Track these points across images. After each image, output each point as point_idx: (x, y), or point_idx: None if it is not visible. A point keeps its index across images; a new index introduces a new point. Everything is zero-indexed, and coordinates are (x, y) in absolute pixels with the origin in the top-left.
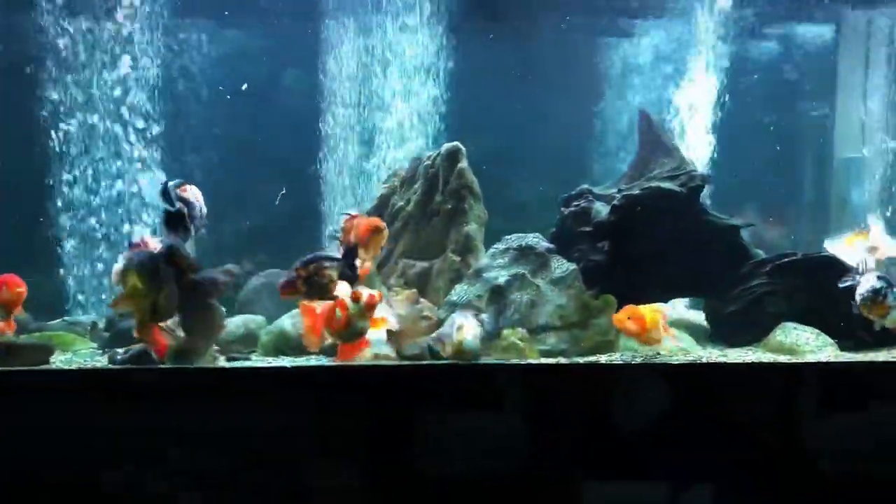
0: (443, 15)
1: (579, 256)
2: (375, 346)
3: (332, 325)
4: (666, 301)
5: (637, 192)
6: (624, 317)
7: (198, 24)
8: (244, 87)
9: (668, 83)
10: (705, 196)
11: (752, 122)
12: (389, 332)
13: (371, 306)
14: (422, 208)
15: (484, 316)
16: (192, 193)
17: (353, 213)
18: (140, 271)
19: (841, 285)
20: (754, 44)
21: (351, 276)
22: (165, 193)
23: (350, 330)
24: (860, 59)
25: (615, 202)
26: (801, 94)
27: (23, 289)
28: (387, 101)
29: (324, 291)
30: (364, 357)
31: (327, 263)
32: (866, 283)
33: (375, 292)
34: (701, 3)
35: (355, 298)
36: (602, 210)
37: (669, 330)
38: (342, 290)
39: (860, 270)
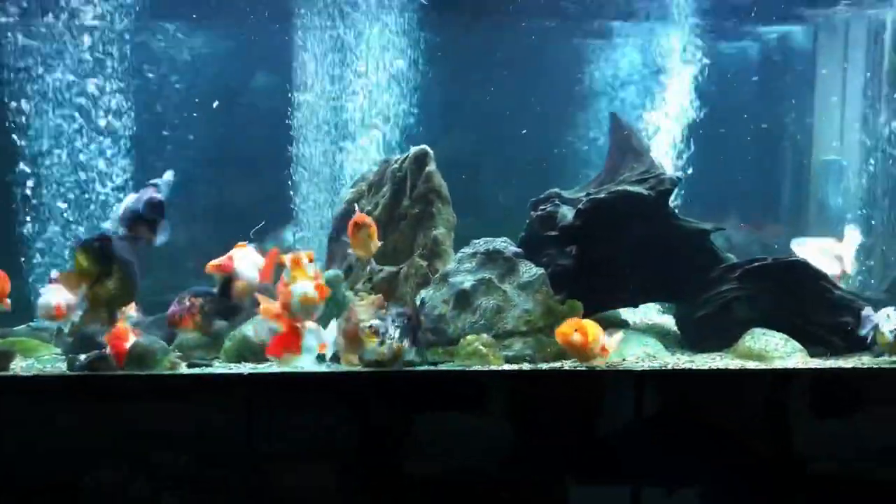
0: (415, 11)
1: (547, 261)
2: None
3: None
4: (635, 306)
5: (603, 195)
6: (570, 330)
7: (168, 24)
8: (215, 104)
9: (643, 86)
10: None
11: (727, 125)
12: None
13: (298, 261)
14: (389, 212)
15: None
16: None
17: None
18: (85, 249)
19: (862, 332)
20: (731, 45)
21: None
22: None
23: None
24: (838, 61)
25: (580, 206)
26: (779, 96)
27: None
28: (356, 103)
29: (203, 325)
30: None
31: (207, 298)
32: (891, 320)
33: (308, 252)
34: (678, 5)
35: (295, 263)
36: (568, 214)
37: (611, 343)
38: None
39: (869, 315)
